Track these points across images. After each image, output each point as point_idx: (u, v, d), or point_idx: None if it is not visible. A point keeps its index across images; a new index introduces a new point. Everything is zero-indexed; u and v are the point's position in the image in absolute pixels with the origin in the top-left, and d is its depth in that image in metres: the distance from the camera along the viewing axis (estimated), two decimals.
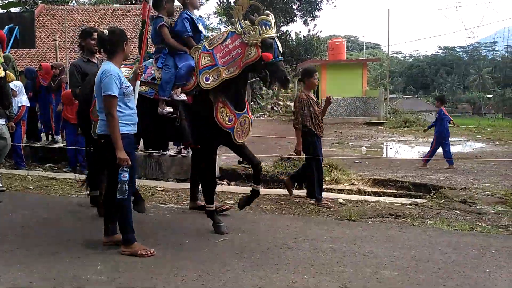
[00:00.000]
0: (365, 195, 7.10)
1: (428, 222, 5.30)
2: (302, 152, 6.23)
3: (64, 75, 9.98)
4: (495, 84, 71.57)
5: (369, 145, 15.15)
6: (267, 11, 4.56)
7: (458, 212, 5.76)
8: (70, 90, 7.26)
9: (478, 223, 5.29)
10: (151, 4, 4.93)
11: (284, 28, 32.78)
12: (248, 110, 4.95)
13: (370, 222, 5.29)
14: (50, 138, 10.17)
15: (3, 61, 5.57)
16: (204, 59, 4.65)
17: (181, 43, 4.84)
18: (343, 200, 6.31)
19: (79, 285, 3.38)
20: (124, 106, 4.04)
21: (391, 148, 14.02)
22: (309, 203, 6.23)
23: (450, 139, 9.98)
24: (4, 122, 6.35)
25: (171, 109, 4.70)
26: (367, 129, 20.40)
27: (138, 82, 4.55)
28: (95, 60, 5.77)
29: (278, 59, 4.48)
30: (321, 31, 37.88)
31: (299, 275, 3.61)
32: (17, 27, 11.35)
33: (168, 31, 4.80)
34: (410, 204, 6.16)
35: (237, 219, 5.23)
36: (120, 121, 3.95)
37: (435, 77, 79.58)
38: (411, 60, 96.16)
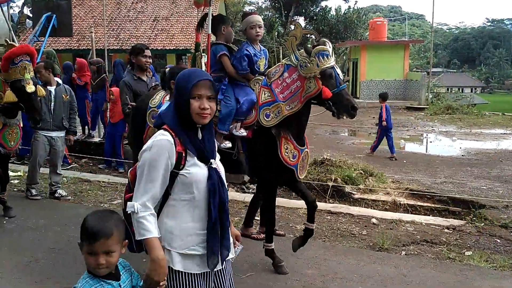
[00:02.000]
0: (401, 209, 6.90)
1: (466, 253, 5.07)
2: None
3: (103, 72, 10.02)
4: None
5: (408, 136, 14.74)
6: (323, 39, 4.18)
7: (498, 241, 5.50)
8: (118, 89, 6.97)
9: None
10: (210, 32, 4.81)
11: (323, 3, 32.01)
12: (307, 143, 4.62)
13: (403, 253, 5.09)
14: (86, 132, 10.33)
15: (33, 75, 5.53)
16: (264, 94, 4.39)
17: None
18: (377, 220, 6.11)
19: None
20: None
21: (431, 142, 13.57)
22: (341, 221, 6.09)
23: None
24: (57, 135, 6.52)
25: (229, 144, 4.47)
26: (407, 115, 19.84)
27: None
28: (144, 78, 5.63)
29: (341, 87, 4.08)
30: (361, 9, 36.51)
31: None
32: (54, 15, 11.48)
33: (229, 60, 4.60)
34: (447, 228, 5.91)
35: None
36: None
37: (481, 50, 76.20)
38: (456, 32, 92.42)
